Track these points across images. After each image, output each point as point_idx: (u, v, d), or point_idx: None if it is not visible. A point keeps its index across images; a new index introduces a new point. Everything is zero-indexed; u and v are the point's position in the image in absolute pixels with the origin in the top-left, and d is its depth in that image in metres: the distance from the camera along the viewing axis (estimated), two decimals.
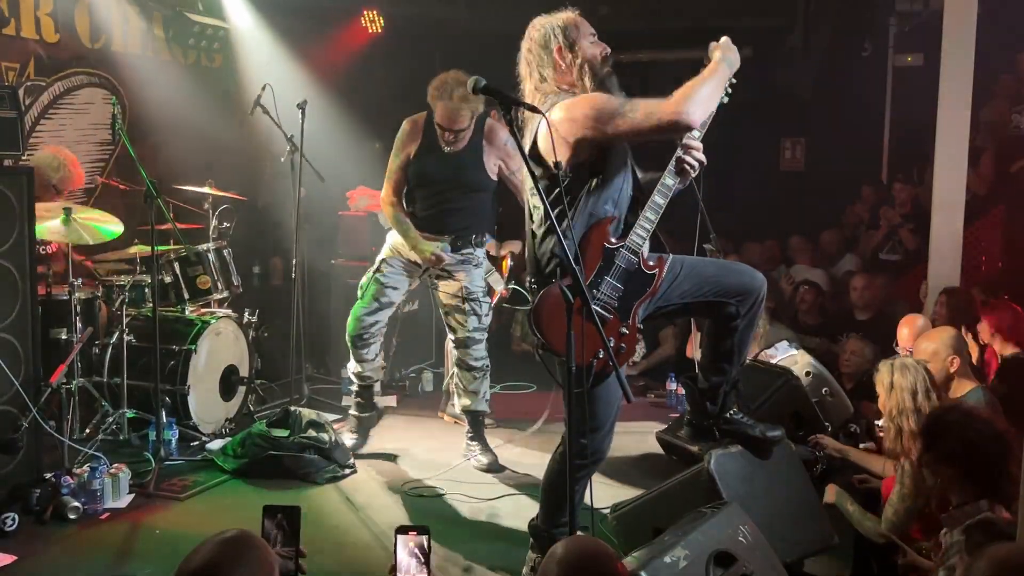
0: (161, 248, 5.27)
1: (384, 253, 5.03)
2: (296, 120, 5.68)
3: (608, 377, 3.22)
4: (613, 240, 3.22)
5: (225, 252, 5.68)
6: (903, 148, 8.61)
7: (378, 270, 5.00)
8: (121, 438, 5.07)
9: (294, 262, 5.90)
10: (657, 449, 5.11)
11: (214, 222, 5.88)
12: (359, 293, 5.05)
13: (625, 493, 4.03)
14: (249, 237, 7.36)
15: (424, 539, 2.19)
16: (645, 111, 3.10)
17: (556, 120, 3.12)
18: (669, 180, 3.32)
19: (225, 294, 5.69)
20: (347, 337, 5.06)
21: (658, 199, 3.29)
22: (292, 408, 5.13)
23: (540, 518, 3.58)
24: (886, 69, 8.85)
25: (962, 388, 3.90)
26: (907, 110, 8.40)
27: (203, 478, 4.74)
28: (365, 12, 8.09)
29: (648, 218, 3.28)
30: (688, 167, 3.34)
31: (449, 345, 5.38)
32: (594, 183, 3.18)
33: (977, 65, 5.52)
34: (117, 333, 5.13)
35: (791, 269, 7.69)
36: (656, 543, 3.08)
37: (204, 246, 5.54)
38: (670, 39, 9.02)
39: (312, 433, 4.87)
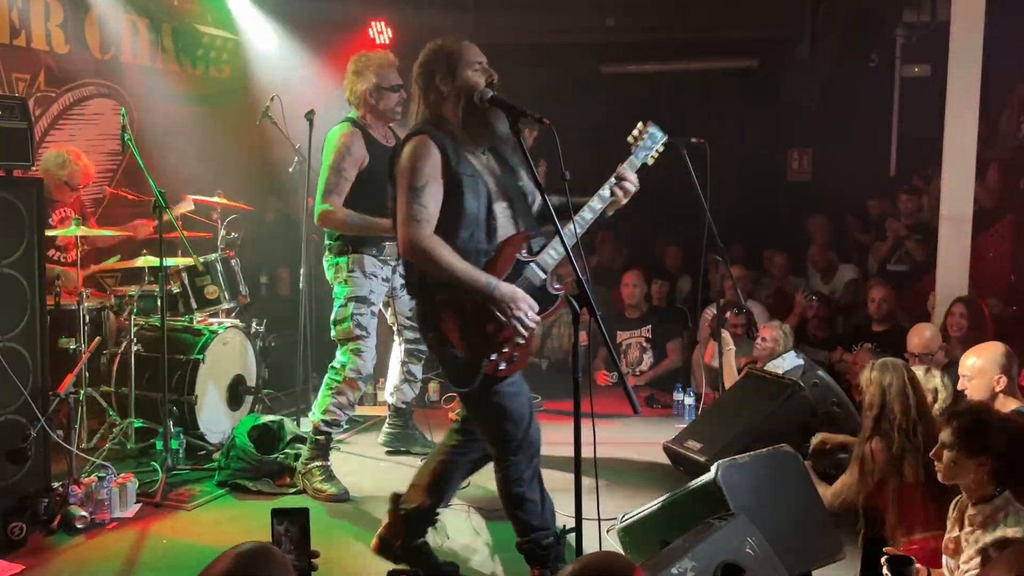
0: (170, 261, 5.28)
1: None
2: (304, 131, 5.70)
3: (501, 380, 3.30)
4: (525, 254, 3.35)
5: (233, 262, 5.69)
6: (910, 159, 8.60)
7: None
8: (128, 448, 5.08)
9: (301, 272, 5.92)
10: (664, 460, 5.10)
11: (222, 232, 5.89)
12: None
13: (632, 504, 4.01)
14: (257, 247, 7.38)
15: None
16: (403, 213, 3.25)
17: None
18: (597, 204, 3.43)
19: (233, 304, 5.70)
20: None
21: (576, 227, 3.38)
22: (274, 422, 5.10)
23: (517, 534, 3.55)
24: (893, 80, 8.85)
25: (1007, 406, 3.85)
26: (914, 121, 8.40)
27: (210, 488, 4.74)
28: (373, 23, 8.11)
29: (558, 243, 3.37)
30: (620, 195, 3.46)
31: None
32: (448, 214, 3.27)
33: (986, 75, 5.52)
34: (125, 343, 5.14)
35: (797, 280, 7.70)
36: (663, 554, 3.07)
37: (212, 256, 5.56)
38: (678, 51, 9.05)
39: (295, 449, 4.89)
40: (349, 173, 4.61)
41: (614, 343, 7.09)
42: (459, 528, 4.29)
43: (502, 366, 3.27)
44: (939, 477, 3.11)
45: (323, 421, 4.67)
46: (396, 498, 3.67)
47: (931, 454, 3.13)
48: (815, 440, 4.33)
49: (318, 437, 4.70)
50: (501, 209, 3.37)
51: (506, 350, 3.27)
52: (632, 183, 3.49)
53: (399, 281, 4.84)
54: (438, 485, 3.64)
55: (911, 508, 3.47)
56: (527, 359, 3.40)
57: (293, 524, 2.36)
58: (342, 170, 4.60)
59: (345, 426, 4.87)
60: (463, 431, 3.66)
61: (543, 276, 3.37)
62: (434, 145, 3.25)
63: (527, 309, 3.27)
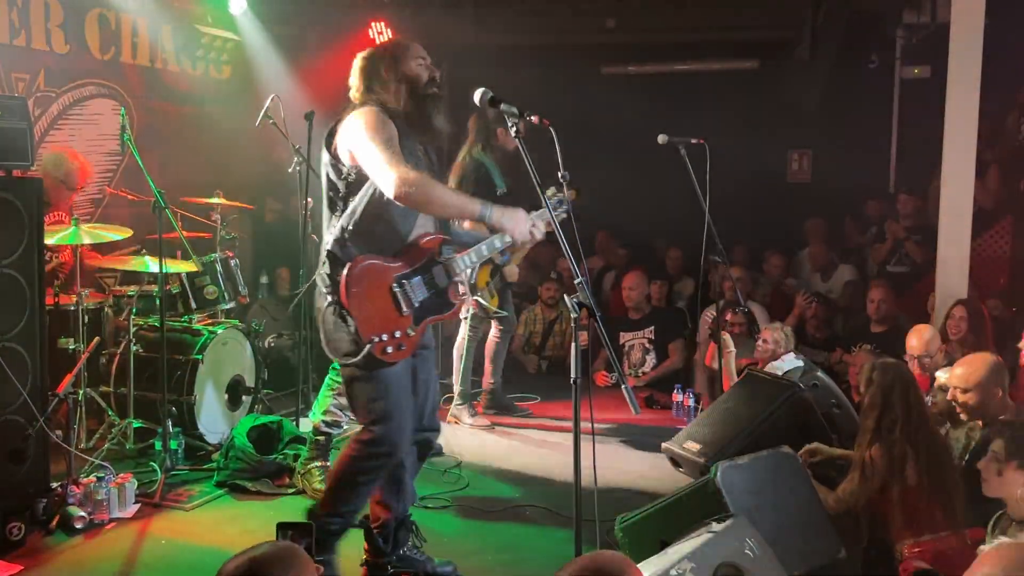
0: (169, 268, 5.27)
1: None
2: (303, 131, 5.70)
3: (390, 365, 3.33)
4: (440, 255, 3.44)
5: (232, 262, 5.69)
6: (910, 160, 8.61)
7: None
8: (127, 448, 5.08)
9: (301, 272, 5.91)
10: (663, 460, 5.09)
11: (222, 232, 5.89)
12: None
13: (631, 505, 4.01)
14: (256, 247, 7.38)
15: None
16: (383, 159, 3.22)
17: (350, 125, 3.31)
18: (497, 243, 3.51)
19: (232, 304, 5.69)
20: None
21: (496, 243, 3.48)
22: (273, 422, 5.09)
23: (319, 506, 3.55)
24: (893, 81, 8.85)
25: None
26: (914, 122, 8.40)
27: (209, 488, 4.74)
28: (373, 23, 8.12)
29: (471, 257, 3.48)
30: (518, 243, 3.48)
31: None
32: (377, 192, 3.29)
33: (986, 77, 5.52)
34: (124, 343, 5.14)
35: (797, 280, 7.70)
36: (662, 555, 3.07)
37: (211, 256, 5.56)
38: (678, 52, 9.05)
39: (294, 449, 4.89)
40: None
41: (617, 344, 7.10)
42: (457, 529, 4.29)
43: (388, 349, 3.29)
44: (984, 490, 3.06)
45: (323, 422, 4.67)
46: (365, 520, 3.64)
47: (979, 465, 3.08)
48: (804, 450, 4.17)
49: (318, 438, 4.70)
50: None
51: (397, 335, 3.30)
52: (540, 232, 3.51)
53: None
54: (393, 492, 3.61)
55: (916, 511, 3.45)
56: (412, 351, 3.40)
57: (298, 538, 2.37)
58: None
59: (345, 426, 4.86)
60: None
61: (447, 280, 3.43)
62: (388, 118, 3.33)
63: (524, 231, 3.34)
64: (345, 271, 3.26)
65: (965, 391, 3.79)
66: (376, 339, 3.26)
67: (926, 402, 3.71)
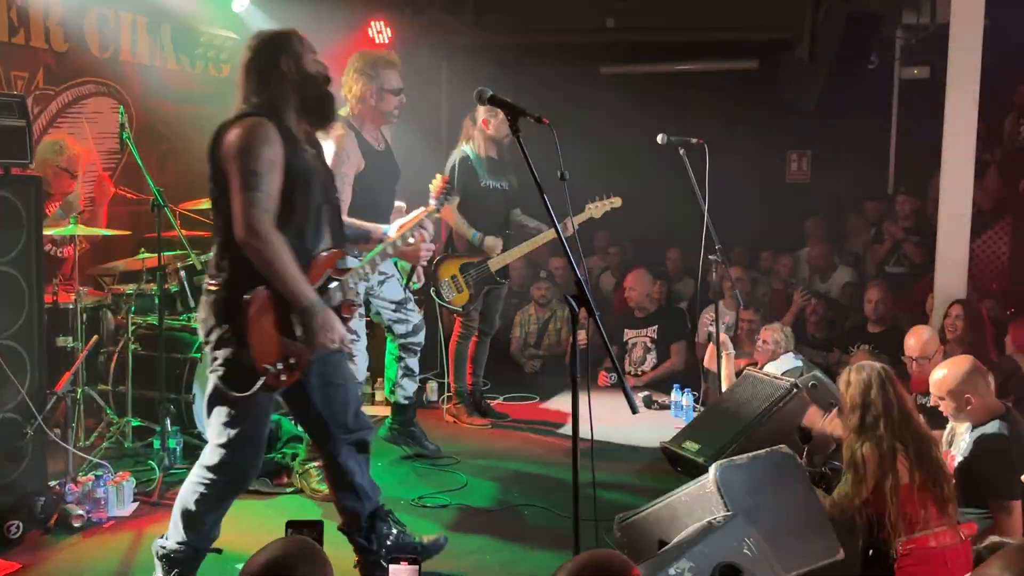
0: (168, 253, 5.27)
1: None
2: None
3: (272, 390, 3.20)
4: (336, 273, 3.30)
5: None
6: (909, 161, 8.61)
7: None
8: (126, 446, 5.07)
9: None
10: (662, 460, 5.09)
11: None
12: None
13: (629, 504, 4.01)
14: None
15: (416, 568, 2.21)
16: (243, 199, 3.02)
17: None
18: (399, 243, 3.55)
19: None
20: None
21: (378, 260, 3.46)
22: (271, 421, 5.06)
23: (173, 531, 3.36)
24: (892, 82, 8.86)
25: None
26: (913, 123, 8.40)
27: None
28: (372, 23, 8.11)
29: (365, 271, 3.44)
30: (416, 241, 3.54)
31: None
32: (281, 209, 3.11)
33: (985, 77, 5.53)
34: (123, 341, 5.14)
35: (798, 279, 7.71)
36: (661, 555, 3.07)
37: (211, 254, 5.54)
38: (677, 52, 9.05)
39: (292, 448, 4.89)
40: (349, 178, 4.43)
41: (621, 341, 7.11)
42: (455, 528, 4.28)
43: (283, 377, 3.15)
44: None
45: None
46: (341, 527, 3.61)
47: None
48: (800, 426, 4.22)
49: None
50: (324, 214, 3.29)
51: (292, 361, 3.15)
52: (429, 233, 3.54)
53: (376, 279, 4.82)
54: (349, 496, 3.53)
55: (910, 507, 3.45)
56: (300, 374, 3.23)
57: (308, 535, 2.37)
58: (343, 175, 4.34)
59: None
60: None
61: (341, 298, 3.30)
62: (275, 131, 3.09)
63: (333, 340, 3.16)
64: (247, 298, 3.07)
65: (941, 398, 3.83)
66: (271, 368, 3.11)
67: (907, 397, 3.69)
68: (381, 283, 4.89)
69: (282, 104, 3.21)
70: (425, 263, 4.35)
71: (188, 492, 3.32)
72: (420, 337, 5.13)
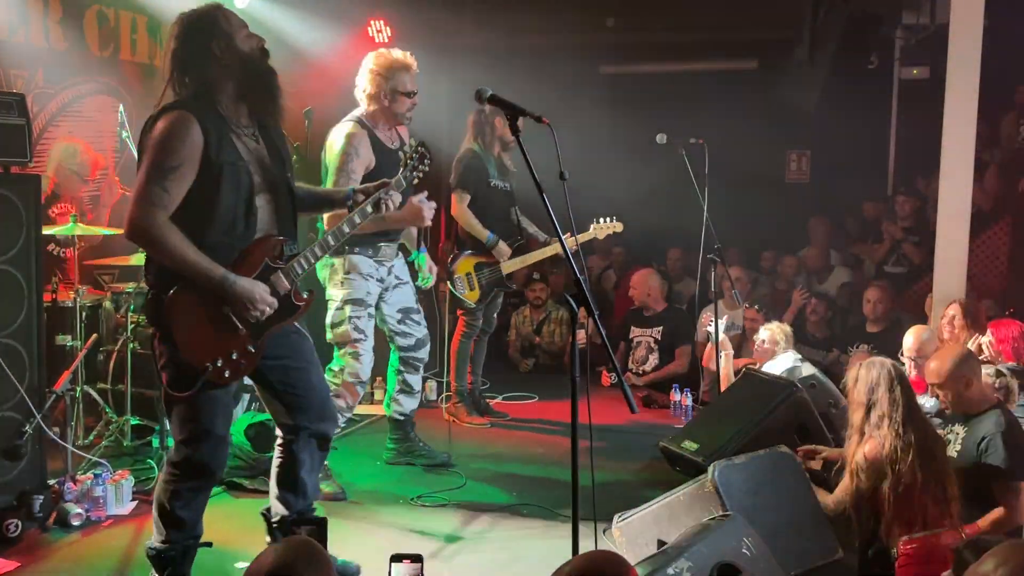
0: None
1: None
2: (303, 128, 5.69)
3: (218, 387, 3.15)
4: (278, 260, 3.20)
5: None
6: (908, 161, 8.61)
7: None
8: (125, 445, 5.07)
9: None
10: (661, 460, 5.10)
11: None
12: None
13: (629, 504, 4.01)
14: None
15: (418, 567, 2.19)
16: (139, 191, 3.01)
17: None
18: (357, 219, 3.38)
19: None
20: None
21: (330, 239, 3.33)
22: (270, 420, 5.05)
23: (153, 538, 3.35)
24: (892, 82, 8.86)
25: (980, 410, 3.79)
26: (913, 123, 8.40)
27: None
28: (372, 22, 8.11)
29: (315, 252, 3.32)
30: (384, 206, 3.41)
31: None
32: (202, 204, 3.06)
33: (985, 78, 5.53)
34: (122, 340, 5.13)
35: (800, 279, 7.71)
36: (660, 554, 3.07)
37: None
38: (677, 52, 9.06)
39: None
40: (357, 175, 4.44)
41: (627, 338, 7.13)
42: (454, 528, 4.29)
43: (226, 374, 3.11)
44: None
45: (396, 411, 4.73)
46: (265, 511, 3.58)
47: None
48: (801, 450, 4.16)
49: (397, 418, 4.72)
50: (263, 202, 3.20)
51: (235, 356, 3.12)
52: (395, 202, 3.46)
53: (393, 282, 4.81)
54: (290, 488, 3.49)
55: (910, 507, 3.44)
56: (255, 364, 3.21)
57: (312, 533, 2.37)
58: (350, 172, 4.41)
59: (342, 425, 4.85)
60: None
61: (288, 285, 3.21)
62: (196, 125, 3.00)
63: (266, 308, 3.10)
64: (168, 297, 3.03)
65: (940, 386, 3.81)
66: (211, 366, 3.07)
67: (913, 396, 3.67)
68: (395, 287, 4.83)
69: (216, 91, 3.12)
70: (430, 222, 4.29)
71: (160, 491, 3.30)
72: (423, 353, 5.03)
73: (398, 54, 4.65)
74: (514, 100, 3.08)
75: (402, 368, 5.04)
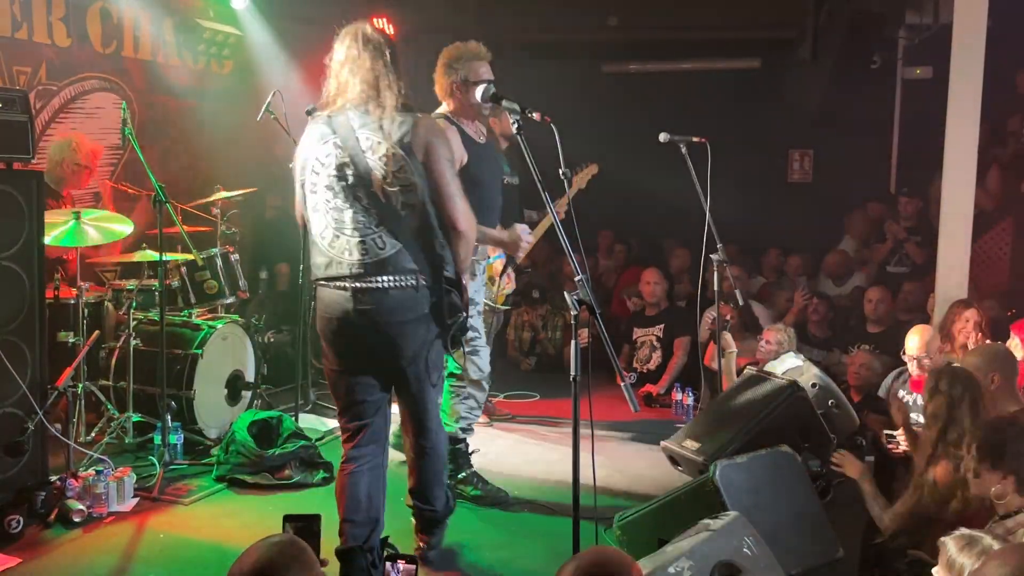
0: (169, 256, 5.28)
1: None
2: (304, 126, 5.68)
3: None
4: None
5: (232, 257, 5.68)
6: (911, 161, 8.60)
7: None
8: (126, 442, 5.08)
9: (301, 267, 5.91)
10: (662, 459, 5.09)
11: (222, 227, 5.88)
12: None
13: (630, 503, 4.02)
14: (256, 242, 7.37)
15: (412, 568, 2.19)
16: (458, 189, 3.44)
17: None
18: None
19: (232, 299, 5.69)
20: None
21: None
22: (273, 417, 5.07)
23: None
24: (895, 82, 8.85)
25: (1004, 408, 3.63)
26: (916, 123, 8.40)
27: (207, 482, 4.74)
28: (374, 19, 8.10)
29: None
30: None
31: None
32: None
33: (988, 78, 5.52)
34: (124, 337, 5.14)
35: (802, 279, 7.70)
36: (660, 553, 3.07)
37: (212, 251, 5.55)
38: (679, 51, 9.05)
39: (294, 444, 4.89)
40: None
41: (631, 340, 7.13)
42: (455, 526, 4.29)
43: None
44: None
45: (460, 429, 4.61)
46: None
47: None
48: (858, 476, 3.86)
49: (457, 446, 4.58)
50: None
51: None
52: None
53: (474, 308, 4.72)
54: (362, 507, 3.49)
55: (971, 527, 3.25)
56: None
57: (304, 530, 2.35)
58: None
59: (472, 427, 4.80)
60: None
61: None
62: None
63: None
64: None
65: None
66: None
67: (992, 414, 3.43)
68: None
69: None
70: (522, 255, 4.39)
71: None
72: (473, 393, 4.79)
73: (470, 44, 4.45)
74: (516, 98, 3.08)
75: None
